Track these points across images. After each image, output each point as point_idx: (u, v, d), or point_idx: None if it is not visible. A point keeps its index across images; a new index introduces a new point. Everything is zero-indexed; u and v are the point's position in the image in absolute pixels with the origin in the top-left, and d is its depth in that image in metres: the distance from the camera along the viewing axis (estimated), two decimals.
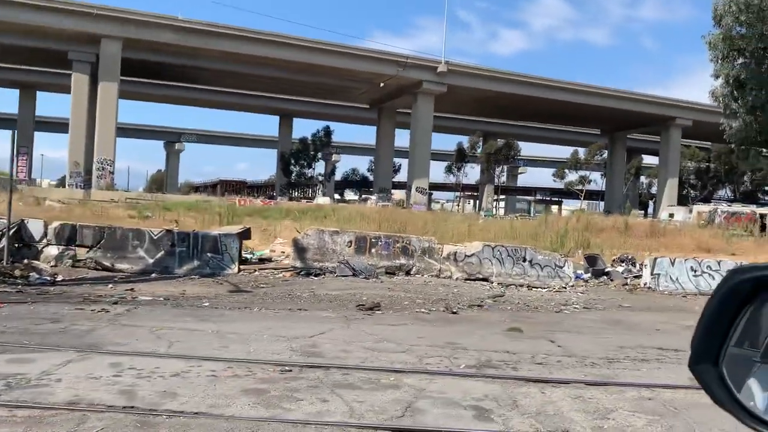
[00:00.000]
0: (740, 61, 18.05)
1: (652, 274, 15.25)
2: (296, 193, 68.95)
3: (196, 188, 76.55)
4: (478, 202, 72.45)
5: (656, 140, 63.27)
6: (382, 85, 57.23)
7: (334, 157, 75.58)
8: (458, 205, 68.21)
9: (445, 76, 56.41)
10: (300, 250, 13.03)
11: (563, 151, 73.06)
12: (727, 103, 19.03)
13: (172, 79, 56.68)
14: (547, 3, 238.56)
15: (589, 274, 16.67)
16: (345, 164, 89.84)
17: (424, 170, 57.89)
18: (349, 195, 76.41)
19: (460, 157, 65.89)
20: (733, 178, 62.96)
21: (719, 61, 18.80)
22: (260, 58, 50.98)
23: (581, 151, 66.08)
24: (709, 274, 15.73)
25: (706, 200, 59.08)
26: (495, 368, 6.39)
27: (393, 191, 65.44)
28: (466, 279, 13.87)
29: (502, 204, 79.20)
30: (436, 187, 73.23)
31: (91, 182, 45.63)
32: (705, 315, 1.14)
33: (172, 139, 75.02)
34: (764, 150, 19.50)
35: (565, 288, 14.22)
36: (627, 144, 67.12)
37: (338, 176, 70.92)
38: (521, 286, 13.99)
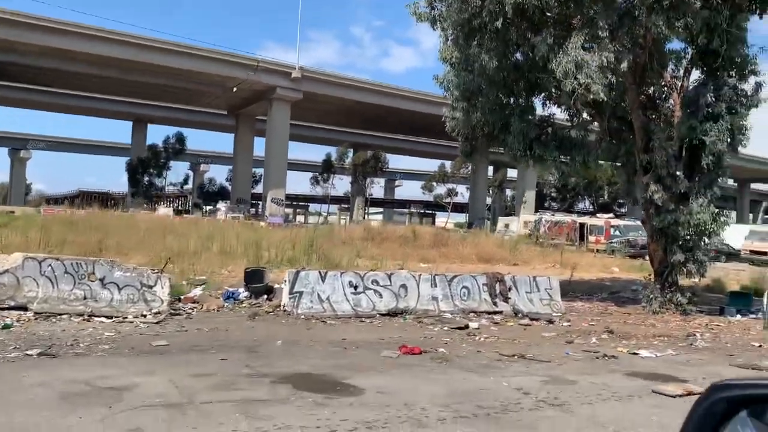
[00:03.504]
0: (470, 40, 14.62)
1: (291, 292, 11.28)
2: (163, 204, 63.19)
3: (56, 200, 69.24)
4: (349, 214, 68.78)
5: None
6: (234, 89, 52.62)
7: (203, 167, 70.24)
8: (326, 218, 64.27)
9: (301, 82, 52.45)
10: None
11: (437, 165, 70.44)
12: (451, 91, 15.58)
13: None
14: None
15: (247, 293, 12.69)
16: (219, 175, 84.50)
17: (281, 180, 53.55)
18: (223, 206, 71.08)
19: (327, 167, 62.03)
20: (591, 191, 61.94)
21: (447, 42, 15.31)
22: (97, 56, 45.30)
23: (448, 164, 63.71)
24: (375, 291, 11.95)
25: (568, 211, 57.56)
26: None
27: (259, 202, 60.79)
28: None
29: (379, 216, 75.93)
30: (305, 199, 69.09)
31: None
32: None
33: (17, 145, 67.10)
34: (499, 148, 16.24)
35: (146, 315, 10.05)
36: (492, 158, 65.15)
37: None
38: (80, 315, 9.70)
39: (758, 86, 13.38)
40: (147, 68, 48.17)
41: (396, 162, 76.02)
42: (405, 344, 8.55)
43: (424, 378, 6.99)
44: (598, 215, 37.71)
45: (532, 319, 12.35)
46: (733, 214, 77.63)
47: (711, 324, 12.85)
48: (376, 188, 71.72)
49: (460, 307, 12.45)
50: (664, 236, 13.44)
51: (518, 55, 14.58)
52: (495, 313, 12.57)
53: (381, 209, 78.23)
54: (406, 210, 76.73)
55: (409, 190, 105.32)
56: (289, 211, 66.76)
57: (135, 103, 58.38)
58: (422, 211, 72.68)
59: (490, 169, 65.09)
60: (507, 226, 40.63)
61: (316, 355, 7.99)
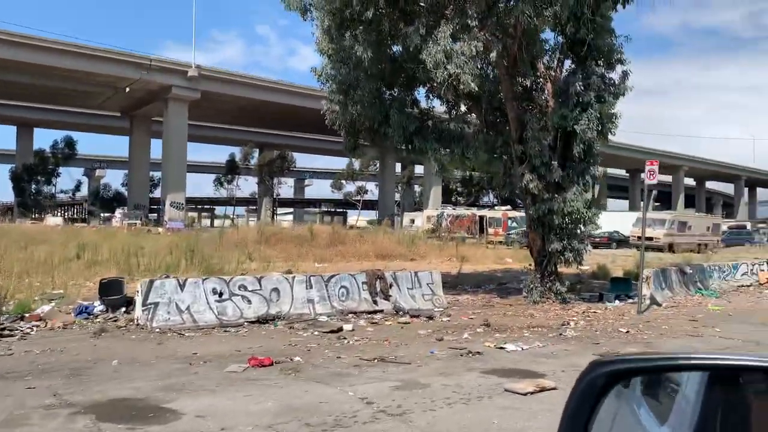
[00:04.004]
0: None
1: (145, 303, 10.23)
2: (54, 213, 58.82)
3: None
4: (257, 215, 66.97)
5: None
6: (127, 90, 49.68)
7: (99, 172, 66.19)
8: (232, 220, 62.14)
9: (199, 81, 50.23)
10: None
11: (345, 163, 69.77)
12: (329, 84, 14.89)
13: None
14: None
15: (103, 307, 11.47)
16: (115, 180, 79.95)
17: (180, 183, 51.15)
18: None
19: (231, 168, 59.98)
20: (495, 185, 63.23)
21: (324, 33, 14.52)
22: None
23: (356, 162, 63.23)
24: (243, 297, 11.09)
25: (473, 205, 58.53)
26: None
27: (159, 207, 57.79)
28: None
29: (289, 217, 74.52)
30: (210, 201, 66.65)
31: None
32: (568, 406, 1.18)
33: None
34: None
35: None
36: (399, 155, 65.47)
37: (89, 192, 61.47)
38: None
39: (625, 75, 13.58)
40: (32, 69, 44.69)
41: (307, 161, 74.92)
42: (255, 356, 7.78)
43: (260, 394, 6.25)
44: (496, 207, 38.41)
45: (413, 316, 11.90)
46: (626, 202, 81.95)
47: (588, 311, 12.89)
48: (285, 188, 70.38)
49: (339, 309, 11.82)
50: (542, 225, 13.40)
51: (395, 47, 14.14)
52: (375, 312, 12.04)
53: (291, 209, 76.87)
54: (316, 209, 75.83)
55: (319, 189, 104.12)
56: (194, 215, 64.10)
57: (19, 106, 54.02)
58: (333, 209, 72.02)
59: (398, 165, 65.32)
60: (413, 221, 40.63)
61: (150, 375, 7.08)
